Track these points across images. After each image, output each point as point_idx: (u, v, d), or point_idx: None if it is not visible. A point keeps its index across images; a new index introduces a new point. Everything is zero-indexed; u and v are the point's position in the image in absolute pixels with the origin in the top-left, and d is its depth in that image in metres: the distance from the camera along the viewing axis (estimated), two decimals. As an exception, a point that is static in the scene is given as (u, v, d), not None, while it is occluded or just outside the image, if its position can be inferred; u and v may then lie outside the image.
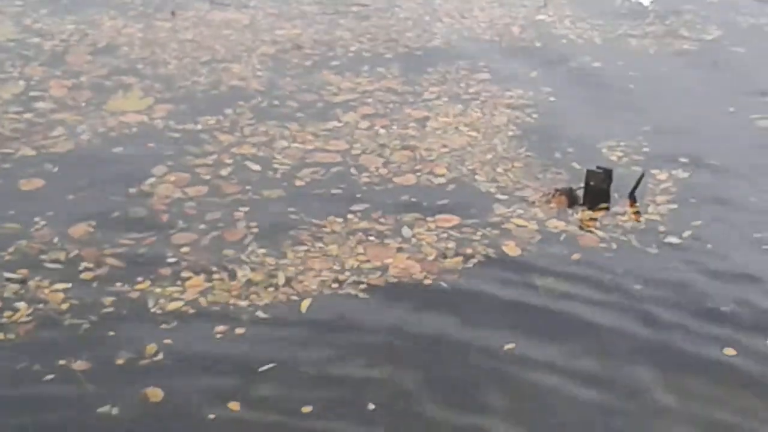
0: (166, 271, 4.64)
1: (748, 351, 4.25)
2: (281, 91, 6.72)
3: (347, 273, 4.66)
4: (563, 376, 4.08)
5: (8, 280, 4.51)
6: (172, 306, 4.40)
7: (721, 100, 6.77)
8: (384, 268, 4.72)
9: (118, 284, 4.53)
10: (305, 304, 4.45)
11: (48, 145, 5.83)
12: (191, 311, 4.39)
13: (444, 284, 4.63)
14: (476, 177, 5.59)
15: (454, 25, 8.10)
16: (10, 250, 4.76)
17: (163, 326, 4.27)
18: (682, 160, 5.84)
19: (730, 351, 4.24)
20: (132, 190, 5.33)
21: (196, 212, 5.16)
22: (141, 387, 3.92)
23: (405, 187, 5.48)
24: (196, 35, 7.62)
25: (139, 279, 4.56)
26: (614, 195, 5.38)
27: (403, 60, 7.31)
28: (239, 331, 4.27)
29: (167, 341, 4.18)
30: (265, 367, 4.05)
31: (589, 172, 5.40)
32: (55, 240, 4.85)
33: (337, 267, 4.71)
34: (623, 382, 4.07)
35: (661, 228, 5.15)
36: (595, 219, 5.23)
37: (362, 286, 4.58)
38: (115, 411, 3.82)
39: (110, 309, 4.38)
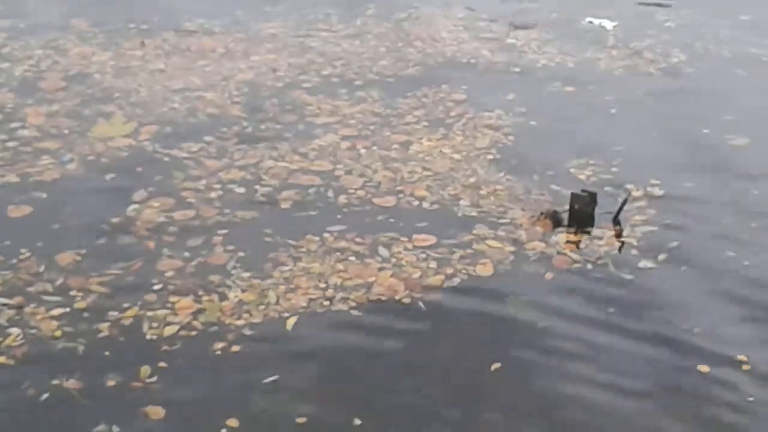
0: (152, 297, 4.96)
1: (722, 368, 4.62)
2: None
3: (331, 290, 5.02)
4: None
5: (4, 305, 4.80)
6: (168, 330, 4.72)
7: (695, 121, 7.19)
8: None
9: (111, 311, 4.82)
10: (291, 322, 4.80)
11: (34, 173, 6.12)
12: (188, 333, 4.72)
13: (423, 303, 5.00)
14: (460, 201, 5.93)
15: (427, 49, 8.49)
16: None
17: (164, 348, 4.60)
18: (655, 181, 6.20)
19: (704, 368, 4.61)
20: (116, 219, 5.60)
21: (178, 238, 5.48)
22: (141, 405, 4.23)
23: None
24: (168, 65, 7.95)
25: (128, 305, 4.87)
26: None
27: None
28: (235, 348, 4.62)
29: (162, 364, 4.49)
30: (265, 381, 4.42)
31: (573, 195, 5.66)
32: (41, 269, 5.13)
33: (322, 285, 5.07)
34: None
35: (634, 252, 5.46)
36: (576, 242, 5.53)
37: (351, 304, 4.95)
38: (116, 429, 4.12)
39: (105, 333, 4.68)
